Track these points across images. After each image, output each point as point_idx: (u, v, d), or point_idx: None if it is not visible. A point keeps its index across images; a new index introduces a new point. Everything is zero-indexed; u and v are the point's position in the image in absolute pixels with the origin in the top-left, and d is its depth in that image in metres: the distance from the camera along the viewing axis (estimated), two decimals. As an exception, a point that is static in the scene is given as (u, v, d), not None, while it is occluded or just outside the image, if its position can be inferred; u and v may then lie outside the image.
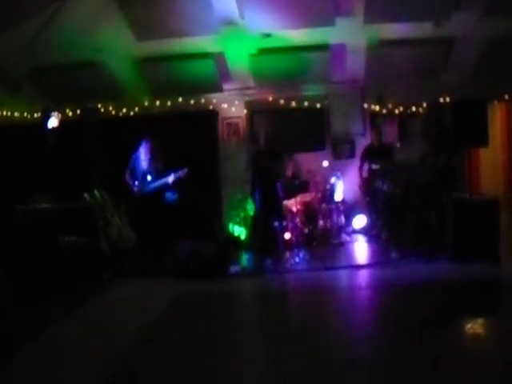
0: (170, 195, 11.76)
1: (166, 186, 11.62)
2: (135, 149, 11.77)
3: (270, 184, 11.33)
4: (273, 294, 9.30)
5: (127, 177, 11.65)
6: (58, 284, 9.72)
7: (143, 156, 11.69)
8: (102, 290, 9.77)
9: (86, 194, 11.09)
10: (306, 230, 12.47)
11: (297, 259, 11.03)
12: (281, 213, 11.71)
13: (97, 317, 8.31)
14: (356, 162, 13.57)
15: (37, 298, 9.21)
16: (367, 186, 13.08)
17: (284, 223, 12.01)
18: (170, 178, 11.47)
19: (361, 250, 12.16)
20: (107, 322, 7.98)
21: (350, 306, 8.56)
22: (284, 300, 9.05)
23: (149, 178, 11.56)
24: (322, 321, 7.65)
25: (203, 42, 12.49)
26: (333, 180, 13.20)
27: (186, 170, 11.45)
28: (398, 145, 13.77)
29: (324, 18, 11.62)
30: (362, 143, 13.66)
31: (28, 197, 11.28)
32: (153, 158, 11.68)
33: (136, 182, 11.57)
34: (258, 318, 8.18)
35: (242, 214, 13.16)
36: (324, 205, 12.70)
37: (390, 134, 13.71)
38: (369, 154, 13.13)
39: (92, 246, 10.55)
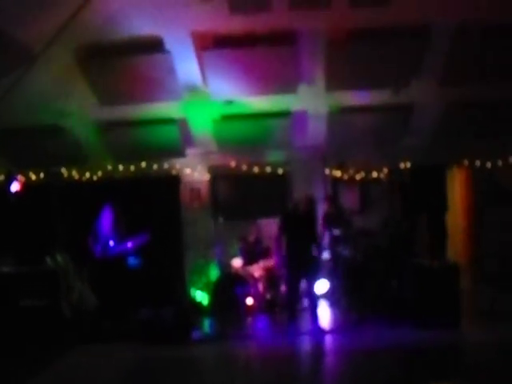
0: (132, 260, 11.72)
1: (128, 251, 11.61)
2: (98, 213, 11.76)
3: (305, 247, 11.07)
4: (234, 360, 9.25)
5: (90, 241, 11.61)
6: (17, 348, 9.61)
7: (105, 221, 11.69)
8: (62, 354, 9.65)
9: (48, 258, 11.02)
10: (269, 296, 12.41)
11: (259, 325, 10.99)
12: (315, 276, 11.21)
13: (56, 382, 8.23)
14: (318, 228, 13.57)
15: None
16: (330, 251, 13.09)
17: (246, 289, 12.03)
18: (130, 244, 11.52)
19: (323, 315, 12.13)
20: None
21: (312, 372, 8.56)
22: (245, 367, 9.00)
23: (111, 243, 11.53)
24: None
25: (167, 108, 12.59)
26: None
27: (147, 237, 11.51)
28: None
29: (286, 86, 11.79)
30: (324, 209, 13.70)
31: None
32: (115, 223, 11.67)
33: (98, 246, 11.53)
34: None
35: (204, 279, 13.11)
36: (286, 270, 12.67)
37: (352, 199, 13.81)
38: (328, 221, 13.16)
39: (53, 309, 10.45)
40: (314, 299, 10.78)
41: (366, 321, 10.69)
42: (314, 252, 10.84)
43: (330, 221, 13.06)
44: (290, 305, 10.83)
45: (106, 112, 12.54)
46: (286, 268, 11.07)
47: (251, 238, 13.20)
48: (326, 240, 13.11)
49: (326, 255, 12.97)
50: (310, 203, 11.00)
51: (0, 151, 13.41)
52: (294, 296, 10.79)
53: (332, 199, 13.44)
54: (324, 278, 13.09)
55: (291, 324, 10.54)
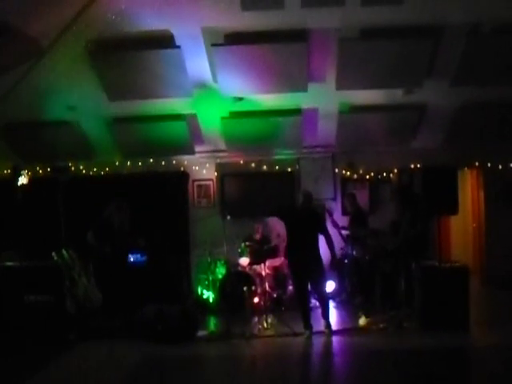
0: (138, 257, 11.66)
1: (135, 249, 11.56)
2: (106, 209, 11.67)
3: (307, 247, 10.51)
4: (239, 360, 9.20)
5: (91, 237, 11.37)
6: (21, 344, 9.57)
7: (113, 217, 11.58)
8: (66, 351, 9.61)
9: (53, 253, 10.96)
10: (275, 295, 12.37)
11: (265, 324, 10.90)
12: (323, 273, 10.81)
13: (59, 381, 8.17)
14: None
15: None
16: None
17: (253, 287, 11.96)
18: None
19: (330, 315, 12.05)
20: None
21: (318, 373, 8.48)
22: (250, 367, 8.94)
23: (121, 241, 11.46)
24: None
25: (176, 104, 12.54)
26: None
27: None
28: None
29: (297, 84, 11.70)
30: (333, 208, 13.58)
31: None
32: (122, 220, 11.59)
33: (107, 243, 11.42)
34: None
35: (210, 278, 13.03)
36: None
37: (361, 199, 13.68)
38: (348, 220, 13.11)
39: (58, 305, 10.41)
40: (324, 300, 10.65)
41: (373, 322, 10.60)
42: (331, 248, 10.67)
43: (350, 221, 13.04)
44: (301, 309, 10.55)
45: (114, 107, 12.50)
46: (289, 269, 11.01)
47: (257, 237, 13.15)
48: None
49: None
50: (308, 200, 10.83)
51: (7, 145, 13.40)
52: (302, 298, 10.62)
53: (353, 198, 13.31)
54: (330, 278, 13.02)
55: (307, 326, 10.37)
